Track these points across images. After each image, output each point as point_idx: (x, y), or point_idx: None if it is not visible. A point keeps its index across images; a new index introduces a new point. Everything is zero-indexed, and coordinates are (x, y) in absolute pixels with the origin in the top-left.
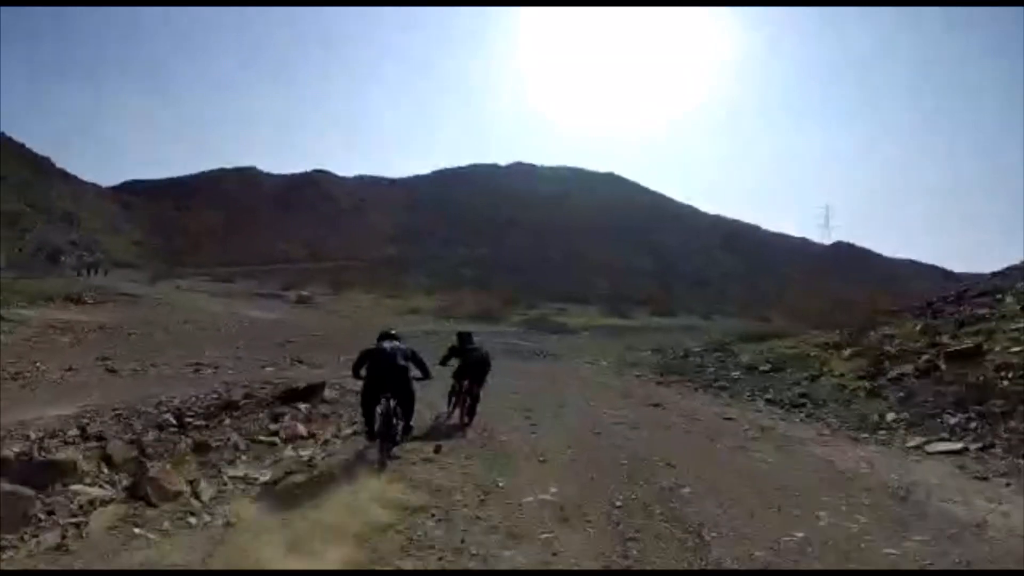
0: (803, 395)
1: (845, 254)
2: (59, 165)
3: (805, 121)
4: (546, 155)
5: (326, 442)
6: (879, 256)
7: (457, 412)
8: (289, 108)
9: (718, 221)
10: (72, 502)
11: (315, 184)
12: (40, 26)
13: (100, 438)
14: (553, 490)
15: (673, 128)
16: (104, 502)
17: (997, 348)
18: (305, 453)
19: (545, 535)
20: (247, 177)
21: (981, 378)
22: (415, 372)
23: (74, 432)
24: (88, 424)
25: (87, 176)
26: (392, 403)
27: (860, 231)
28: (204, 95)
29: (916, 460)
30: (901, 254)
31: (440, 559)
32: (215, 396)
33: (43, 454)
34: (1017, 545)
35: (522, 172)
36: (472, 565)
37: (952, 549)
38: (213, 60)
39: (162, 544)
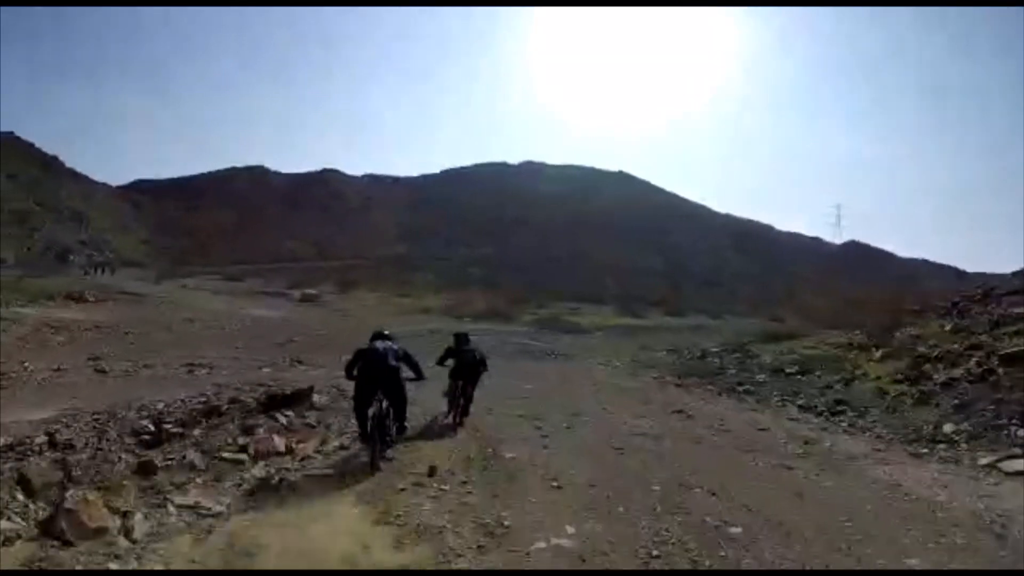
0: (840, 401)
1: (857, 254)
2: (68, 164)
3: (816, 120)
4: (556, 154)
5: (306, 458)
6: (891, 256)
7: (449, 411)
8: (299, 107)
9: (729, 220)
10: None
11: (324, 183)
12: (47, 27)
13: (69, 446)
14: (570, 530)
15: (684, 127)
16: (10, 539)
17: None
18: (278, 473)
19: None
20: (256, 176)
21: None
22: (408, 373)
23: (42, 440)
24: (58, 431)
25: (97, 176)
26: (384, 404)
27: (872, 231)
28: (214, 95)
29: (994, 483)
30: (912, 254)
31: None
32: (202, 400)
33: None
34: None
35: (531, 171)
36: None
37: None
38: (221, 60)
39: None
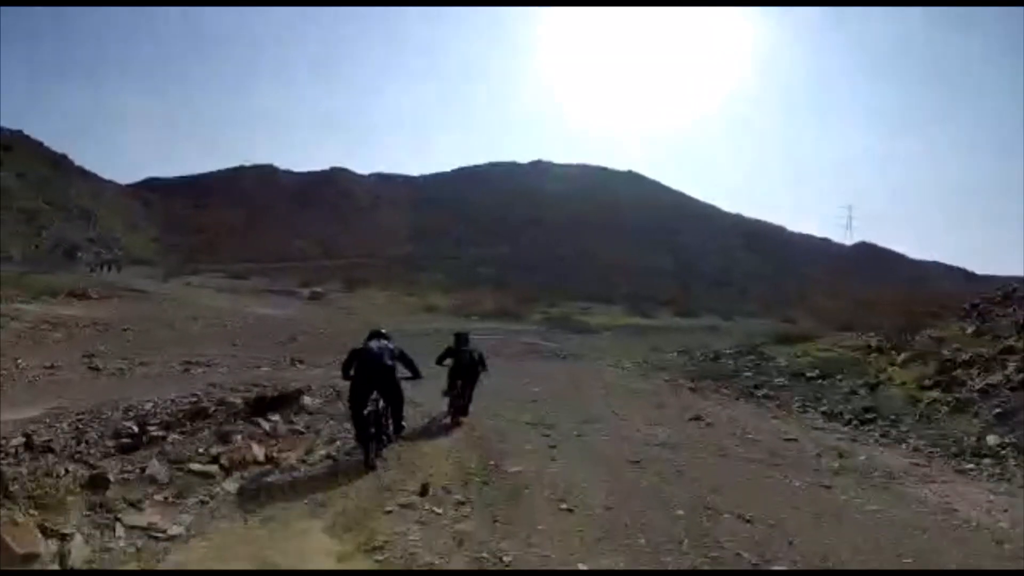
0: (869, 408)
1: (868, 255)
2: (77, 163)
3: (827, 121)
4: (566, 154)
5: (288, 469)
6: (902, 257)
7: (450, 411)
8: (308, 107)
9: (740, 221)
10: None
11: (333, 182)
12: (56, 26)
13: (47, 449)
14: (583, 567)
15: (694, 127)
16: None
17: None
18: (252, 487)
19: None
20: (265, 175)
21: None
22: (404, 372)
23: (18, 442)
24: (36, 432)
25: (106, 174)
26: (381, 404)
27: (882, 232)
28: (223, 93)
29: None
30: (923, 255)
31: None
32: (193, 400)
33: None
34: None
35: (541, 171)
36: None
37: None
38: (231, 59)
39: None
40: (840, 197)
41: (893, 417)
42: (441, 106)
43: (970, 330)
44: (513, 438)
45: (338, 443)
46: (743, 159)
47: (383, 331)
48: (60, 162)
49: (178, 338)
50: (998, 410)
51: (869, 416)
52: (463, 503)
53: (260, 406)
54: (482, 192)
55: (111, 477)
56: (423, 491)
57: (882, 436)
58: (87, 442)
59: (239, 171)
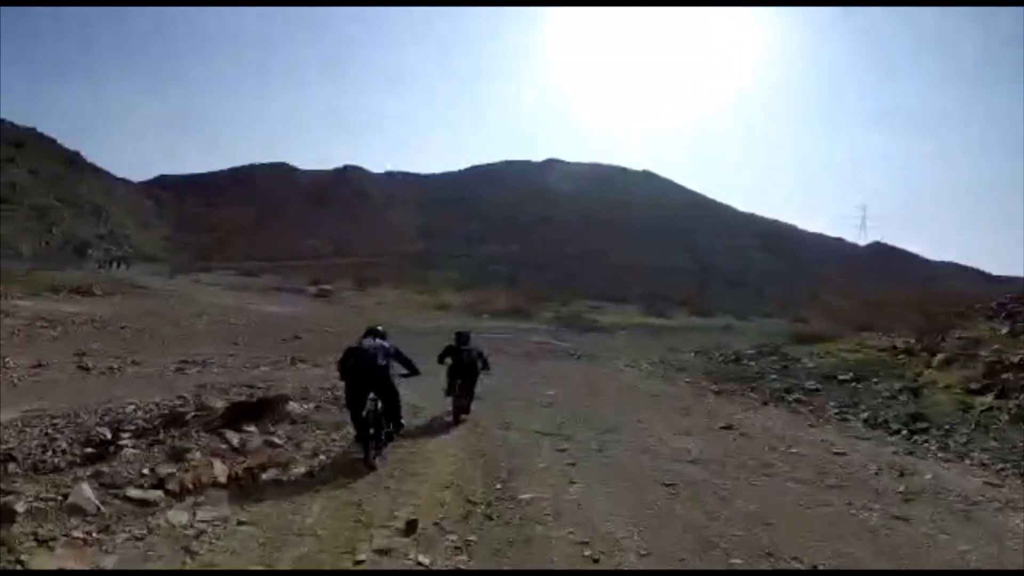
0: (917, 416)
1: (882, 255)
2: (90, 160)
3: (839, 120)
4: (579, 152)
5: (252, 493)
6: (916, 257)
7: (452, 410)
8: (322, 105)
9: (754, 220)
10: None
11: (347, 180)
12: (70, 26)
13: (8, 458)
14: None
15: (707, 127)
16: None
17: None
18: (203, 519)
19: None
20: (278, 173)
21: None
22: (400, 370)
23: None
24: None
25: (119, 172)
26: (379, 404)
27: (895, 232)
28: (237, 92)
29: None
30: (936, 256)
31: None
32: (178, 403)
33: None
34: None
35: (554, 169)
36: None
37: None
38: (245, 58)
39: None
40: (851, 197)
41: (946, 426)
42: (454, 105)
43: (1004, 331)
44: (524, 453)
45: (321, 457)
46: (755, 158)
47: (379, 328)
48: (72, 159)
49: (178, 336)
50: None
51: (919, 425)
52: (459, 549)
53: (236, 414)
54: (495, 190)
55: (19, 508)
56: (409, 528)
57: (940, 449)
58: (54, 450)
59: (251, 169)
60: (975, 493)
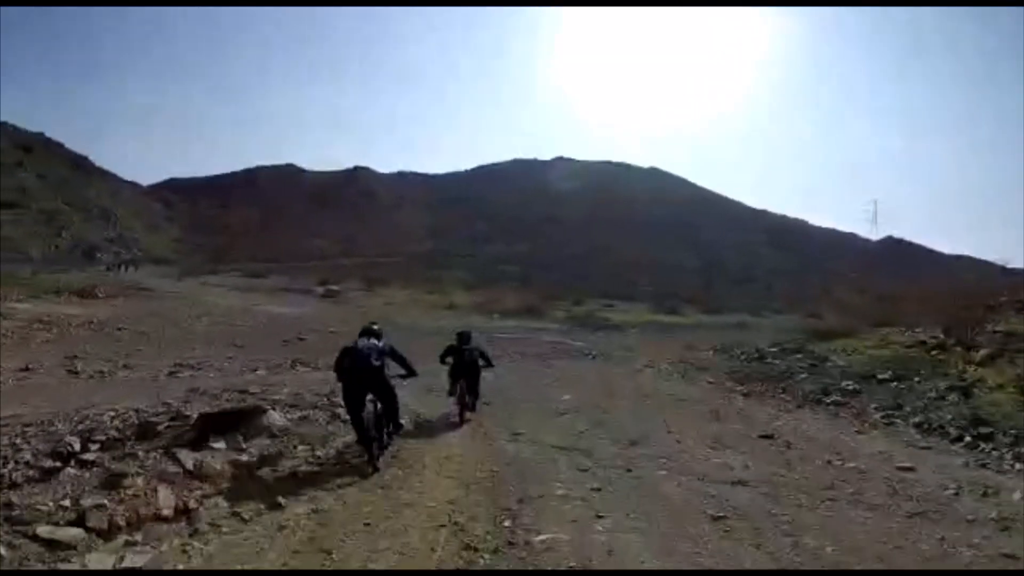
0: (976, 420)
1: (894, 250)
2: (98, 164)
3: (847, 116)
4: (587, 151)
5: (199, 532)
6: (930, 251)
7: (456, 409)
8: (330, 106)
9: (763, 216)
10: None
11: (355, 181)
12: (78, 27)
13: None
14: None
15: (716, 124)
16: None
17: None
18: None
19: None
20: (287, 175)
21: None
22: (399, 370)
23: None
24: None
25: (128, 175)
26: (378, 405)
27: (907, 226)
28: (247, 94)
29: None
30: (948, 249)
31: None
32: (162, 410)
33: None
34: None
35: (562, 167)
36: None
37: None
38: (256, 59)
39: None
40: (860, 194)
41: (1013, 431)
42: (462, 105)
43: None
44: (538, 473)
45: (299, 477)
46: (762, 155)
47: (375, 328)
48: (81, 163)
49: (177, 338)
50: None
51: (983, 431)
52: None
53: (207, 427)
54: (504, 190)
55: None
56: None
57: (1015, 459)
58: (16, 462)
59: (261, 171)
60: None
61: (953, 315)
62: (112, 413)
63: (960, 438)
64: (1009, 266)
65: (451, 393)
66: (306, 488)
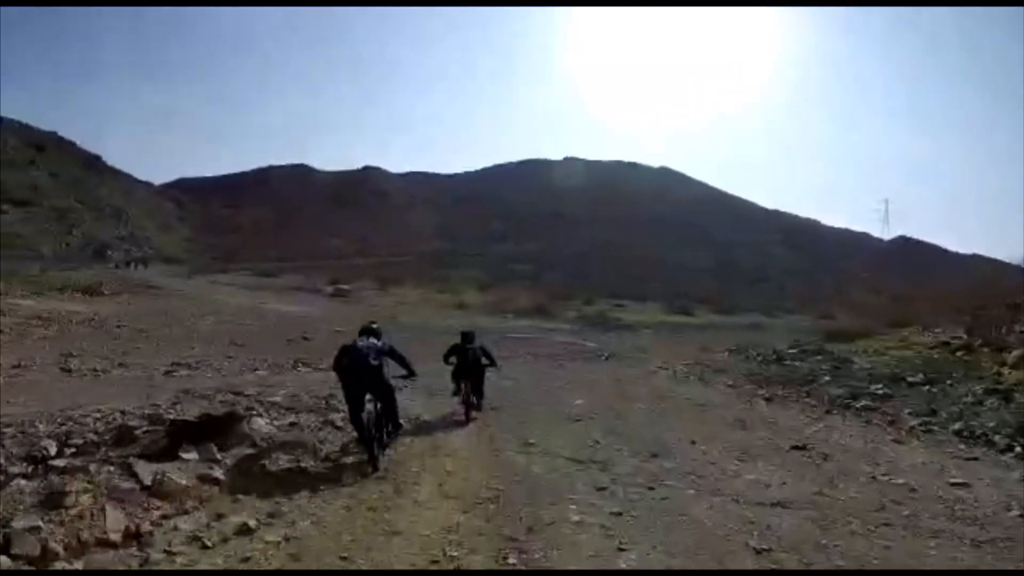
0: None
1: (907, 249)
2: (110, 163)
3: (859, 116)
4: (598, 150)
5: (147, 562)
6: (944, 251)
7: (461, 409)
8: (342, 106)
9: (775, 216)
10: None
11: (367, 181)
12: (92, 27)
13: None
14: None
15: (726, 124)
16: None
17: None
18: None
19: None
20: (299, 174)
21: None
22: (399, 370)
23: None
24: None
25: (140, 174)
26: (377, 405)
27: (918, 226)
28: (258, 95)
29: None
30: (964, 249)
31: None
32: (149, 411)
33: None
34: None
35: (573, 167)
36: None
37: None
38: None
39: None
40: (872, 195)
41: None
42: (474, 105)
43: None
44: (551, 493)
45: (272, 500)
46: (775, 155)
47: (374, 327)
48: (93, 162)
49: (179, 336)
50: None
51: None
52: None
53: (180, 435)
54: (514, 189)
55: None
56: None
57: None
58: None
59: (273, 171)
60: None
61: (974, 315)
62: (97, 415)
63: (1010, 448)
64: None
65: (455, 393)
66: (283, 507)
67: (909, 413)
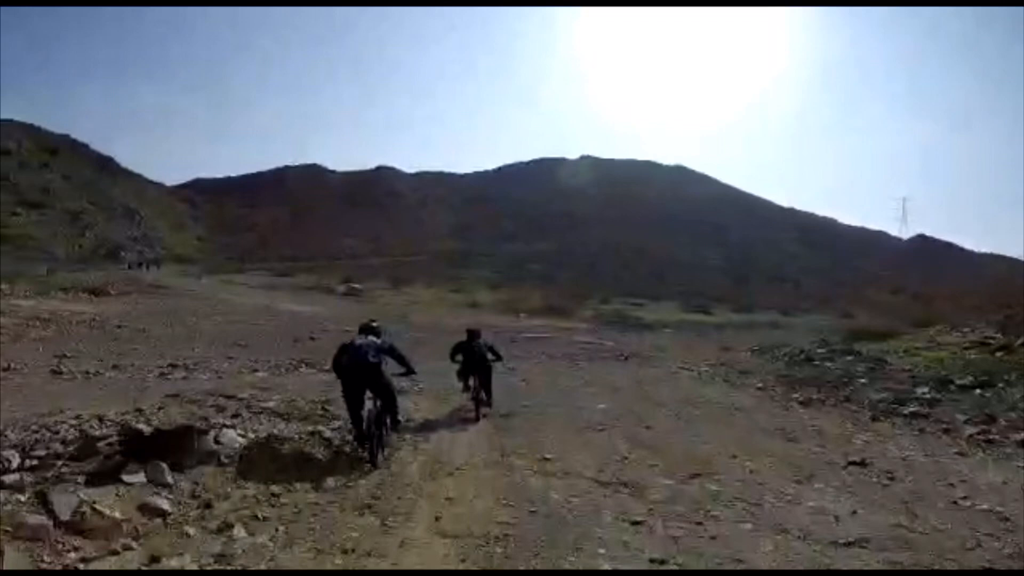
0: None
1: (925, 248)
2: (124, 164)
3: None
4: (612, 149)
5: None
6: (961, 249)
7: (471, 406)
8: (355, 106)
9: (791, 214)
10: None
11: (380, 180)
12: (106, 28)
13: None
14: None
15: (740, 122)
16: None
17: None
18: None
19: None
20: (312, 175)
21: None
22: (396, 368)
23: None
24: None
25: (153, 175)
26: (377, 403)
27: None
28: (271, 95)
29: None
30: (982, 247)
31: None
32: (130, 419)
33: None
34: None
35: (587, 166)
36: None
37: None
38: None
39: None
40: (891, 193)
41: None
42: (487, 104)
43: None
44: (573, 529)
45: (234, 534)
46: (792, 154)
47: (374, 325)
48: (106, 164)
49: (180, 337)
50: None
51: None
52: None
53: (133, 449)
54: (526, 189)
55: None
56: None
57: None
58: None
59: (286, 171)
60: None
61: (1007, 314)
62: (74, 421)
63: None
64: None
65: (464, 390)
66: (235, 548)
67: (965, 421)
